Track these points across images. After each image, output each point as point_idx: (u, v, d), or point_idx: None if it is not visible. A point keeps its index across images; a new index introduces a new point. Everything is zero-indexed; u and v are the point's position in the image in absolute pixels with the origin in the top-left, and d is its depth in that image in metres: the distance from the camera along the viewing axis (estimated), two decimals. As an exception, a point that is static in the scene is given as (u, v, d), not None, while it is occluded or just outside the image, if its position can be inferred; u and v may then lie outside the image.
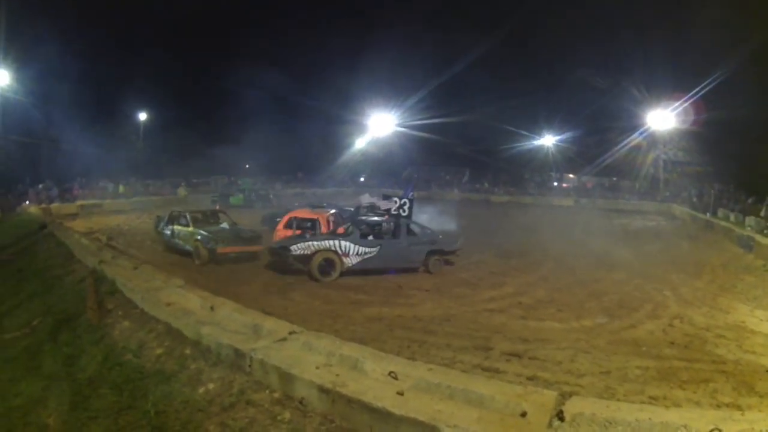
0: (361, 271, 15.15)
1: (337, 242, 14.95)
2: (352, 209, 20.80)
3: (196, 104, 53.23)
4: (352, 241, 15.10)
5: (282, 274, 15.24)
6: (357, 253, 15.04)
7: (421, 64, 53.21)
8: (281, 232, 17.68)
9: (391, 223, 16.52)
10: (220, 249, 16.40)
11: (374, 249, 15.30)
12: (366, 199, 20.03)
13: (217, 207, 26.35)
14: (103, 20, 51.35)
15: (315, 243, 14.85)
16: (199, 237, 16.72)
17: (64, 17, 41.75)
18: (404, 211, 17.49)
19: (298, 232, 17.16)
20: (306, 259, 14.64)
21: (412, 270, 15.84)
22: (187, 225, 17.69)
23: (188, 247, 17.22)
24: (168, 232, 18.64)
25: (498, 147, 54.42)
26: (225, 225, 18.22)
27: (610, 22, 52.27)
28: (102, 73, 46.53)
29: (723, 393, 7.28)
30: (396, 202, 17.92)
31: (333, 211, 19.84)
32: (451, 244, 16.90)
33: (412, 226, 16.95)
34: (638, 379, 7.75)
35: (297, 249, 14.63)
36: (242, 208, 33.32)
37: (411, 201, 17.85)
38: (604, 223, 31.72)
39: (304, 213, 18.62)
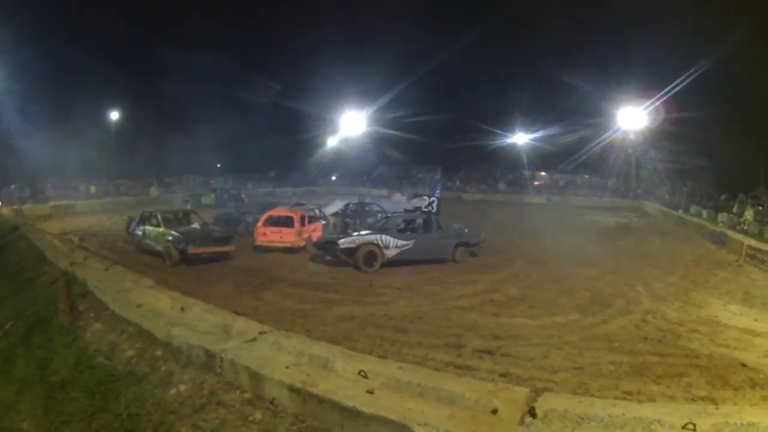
0: (400, 261, 16.30)
1: (378, 236, 16.31)
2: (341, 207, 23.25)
3: (167, 104, 52.47)
4: (391, 235, 16.47)
5: (254, 274, 15.20)
6: (396, 246, 16.36)
7: (394, 63, 53.26)
8: (261, 229, 18.76)
9: (423, 219, 18.19)
10: (192, 249, 16.19)
11: (410, 242, 16.62)
12: (416, 201, 21.18)
13: (189, 207, 26.13)
14: (70, 20, 50.73)
15: (359, 237, 16.29)
16: (170, 238, 16.46)
17: (28, 18, 41.27)
18: (433, 208, 18.97)
19: (275, 228, 18.50)
20: (352, 251, 15.97)
21: (441, 261, 16.93)
22: (158, 225, 17.44)
23: (159, 248, 16.96)
24: (139, 233, 18.36)
25: (471, 145, 54.53)
26: (196, 225, 18.07)
27: (583, 21, 52.91)
28: (69, 72, 45.91)
29: (697, 387, 7.32)
30: (426, 200, 19.34)
31: (312, 207, 21.41)
32: (475, 238, 18.31)
33: (441, 222, 18.37)
34: (612, 375, 7.77)
35: (344, 243, 16.04)
36: (214, 207, 32.93)
37: (438, 199, 19.33)
38: (576, 220, 32.15)
39: (280, 211, 19.72)
